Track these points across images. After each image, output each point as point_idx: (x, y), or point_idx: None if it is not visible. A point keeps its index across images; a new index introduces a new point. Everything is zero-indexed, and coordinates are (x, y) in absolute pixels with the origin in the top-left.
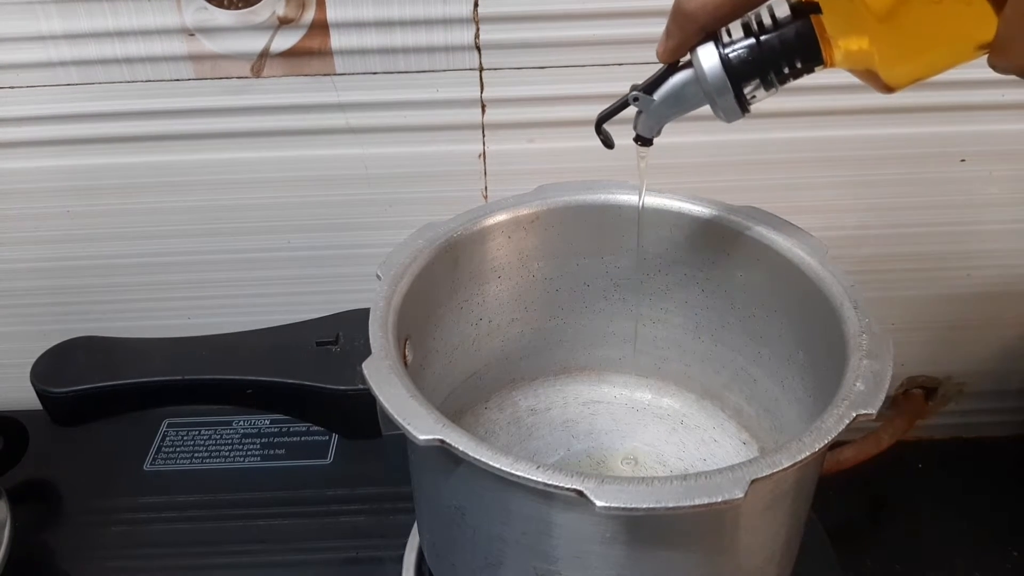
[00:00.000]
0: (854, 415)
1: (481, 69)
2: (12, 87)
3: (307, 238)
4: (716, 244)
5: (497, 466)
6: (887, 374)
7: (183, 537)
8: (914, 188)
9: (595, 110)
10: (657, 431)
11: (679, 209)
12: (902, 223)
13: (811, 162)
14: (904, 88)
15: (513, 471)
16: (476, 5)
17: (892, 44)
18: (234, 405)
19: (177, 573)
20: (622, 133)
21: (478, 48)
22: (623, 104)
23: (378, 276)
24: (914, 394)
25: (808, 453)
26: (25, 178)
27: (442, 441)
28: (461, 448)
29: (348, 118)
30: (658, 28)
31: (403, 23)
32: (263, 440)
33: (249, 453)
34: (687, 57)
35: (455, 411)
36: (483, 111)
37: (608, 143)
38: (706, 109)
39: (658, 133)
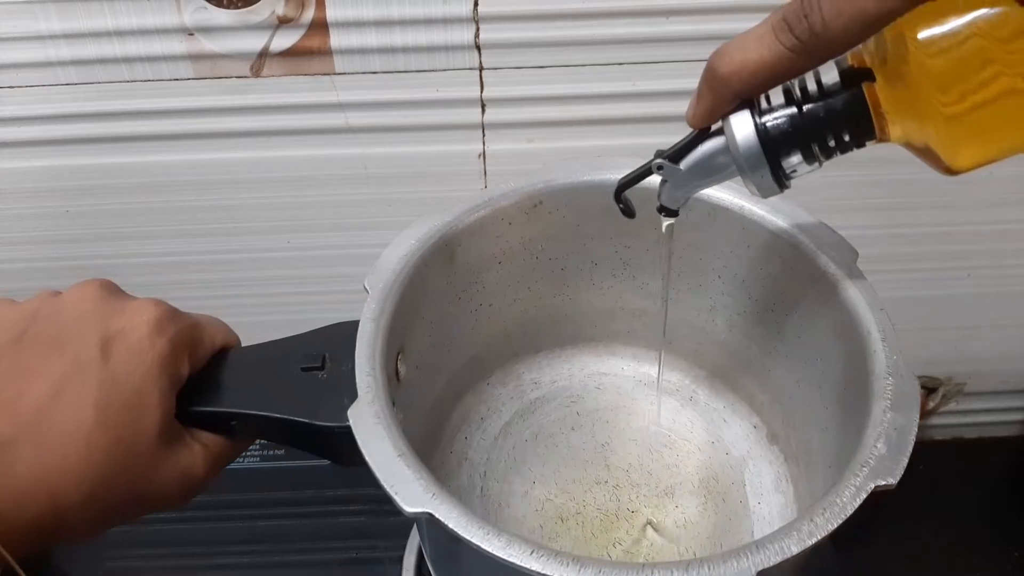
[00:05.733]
0: (872, 487)
1: (481, 69)
2: (12, 87)
3: (307, 238)
4: (736, 236)
5: (489, 550)
6: (912, 431)
7: (183, 537)
8: (914, 188)
9: (595, 110)
10: (665, 409)
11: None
12: (902, 223)
13: None
14: (969, 171)
15: (507, 557)
16: (476, 5)
17: (962, 134)
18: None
19: (177, 573)
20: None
21: (478, 48)
22: (646, 171)
23: (366, 289)
24: None
25: (821, 536)
26: (24, 178)
27: (431, 515)
28: (451, 526)
29: (348, 118)
30: (659, 28)
31: (403, 22)
32: (263, 440)
33: (249, 453)
34: (720, 124)
35: (456, 393)
36: (483, 111)
37: (628, 212)
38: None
39: (684, 203)
